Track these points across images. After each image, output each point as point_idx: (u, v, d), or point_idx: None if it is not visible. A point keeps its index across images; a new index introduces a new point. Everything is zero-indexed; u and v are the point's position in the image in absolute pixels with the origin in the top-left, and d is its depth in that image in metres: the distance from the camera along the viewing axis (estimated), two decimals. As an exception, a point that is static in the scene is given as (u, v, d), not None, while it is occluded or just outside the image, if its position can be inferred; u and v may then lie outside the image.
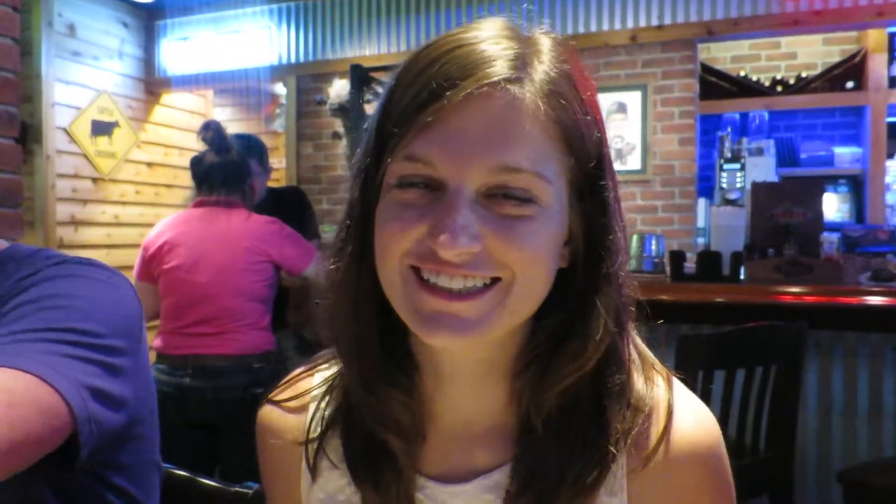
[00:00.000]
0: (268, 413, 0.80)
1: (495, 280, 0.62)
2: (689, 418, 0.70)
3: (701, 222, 4.21)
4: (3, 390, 0.75)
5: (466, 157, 0.60)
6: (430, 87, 0.60)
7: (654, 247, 2.83)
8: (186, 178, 2.53)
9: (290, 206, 2.93)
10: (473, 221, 0.60)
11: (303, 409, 0.78)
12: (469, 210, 0.60)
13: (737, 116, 4.90)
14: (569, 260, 0.67)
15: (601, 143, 0.66)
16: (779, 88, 4.60)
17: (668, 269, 2.78)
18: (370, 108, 3.66)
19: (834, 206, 4.67)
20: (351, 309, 0.68)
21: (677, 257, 2.73)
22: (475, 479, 0.70)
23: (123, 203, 4.47)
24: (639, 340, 0.72)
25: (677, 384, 0.72)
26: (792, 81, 4.62)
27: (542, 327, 0.67)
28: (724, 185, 4.14)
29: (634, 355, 0.70)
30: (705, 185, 4.64)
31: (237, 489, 1.15)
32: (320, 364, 0.81)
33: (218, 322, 2.33)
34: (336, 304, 0.70)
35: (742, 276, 2.62)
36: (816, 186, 2.88)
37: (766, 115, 4.90)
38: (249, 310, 2.38)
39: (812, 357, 2.53)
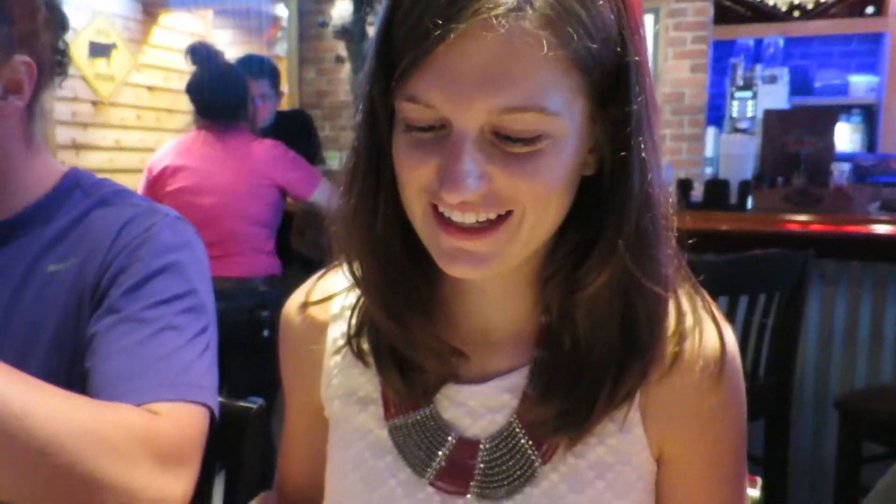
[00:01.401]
0: (292, 309, 0.81)
1: (509, 212, 0.62)
2: (714, 334, 0.70)
3: (709, 152, 4.15)
4: (185, 427, 0.81)
5: (466, 98, 0.57)
6: (424, 24, 0.57)
7: (661, 175, 2.80)
8: (187, 103, 2.48)
9: (296, 130, 2.89)
10: (480, 161, 0.59)
11: (327, 306, 0.79)
12: (475, 150, 0.59)
13: (751, 43, 4.77)
14: (594, 168, 0.65)
15: (625, 51, 0.61)
16: (796, 14, 4.45)
17: (674, 197, 2.75)
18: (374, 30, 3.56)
19: (846, 136, 4.59)
20: (369, 236, 0.68)
21: (684, 185, 2.71)
22: (493, 380, 0.72)
23: (125, 128, 4.42)
24: (675, 259, 0.71)
25: (703, 301, 0.73)
26: (810, 7, 4.47)
27: (565, 242, 0.67)
28: (735, 114, 4.07)
29: (669, 273, 0.69)
30: (715, 114, 4.55)
31: (242, 404, 1.16)
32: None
33: (223, 245, 2.33)
34: (352, 232, 0.69)
35: (749, 206, 2.60)
36: (830, 115, 2.83)
37: (781, 42, 4.77)
38: (254, 233, 2.38)
39: (816, 286, 2.53)
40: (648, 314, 0.67)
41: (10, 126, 0.91)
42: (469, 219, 0.61)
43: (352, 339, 0.76)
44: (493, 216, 0.62)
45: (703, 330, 0.70)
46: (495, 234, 0.62)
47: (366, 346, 0.75)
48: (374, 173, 0.67)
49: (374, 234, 0.68)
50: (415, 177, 0.62)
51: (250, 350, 2.38)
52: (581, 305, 0.66)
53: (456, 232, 0.62)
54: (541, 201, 0.61)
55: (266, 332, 2.38)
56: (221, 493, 1.14)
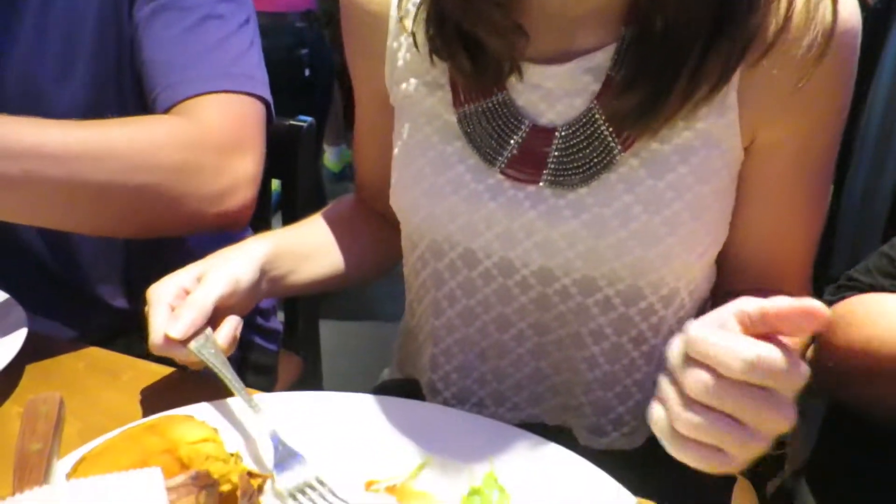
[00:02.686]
0: None
1: None
2: (828, 1, 0.63)
3: None
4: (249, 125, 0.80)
5: None
6: None
7: None
8: None
9: None
10: None
11: None
12: None
13: None
14: None
15: None
16: None
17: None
18: None
19: None
20: None
21: None
22: (573, 61, 0.67)
23: None
24: None
25: None
26: None
27: None
28: None
29: None
30: None
31: (292, 122, 1.14)
32: None
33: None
34: None
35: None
36: None
37: None
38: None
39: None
40: None
41: None
42: None
43: (416, 18, 0.70)
44: None
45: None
46: None
47: (431, 29, 0.69)
48: None
49: None
50: None
51: (291, 93, 2.32)
52: None
53: None
54: None
55: (307, 72, 2.31)
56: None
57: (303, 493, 0.60)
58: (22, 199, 0.72)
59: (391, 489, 0.62)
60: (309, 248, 0.85)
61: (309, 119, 1.13)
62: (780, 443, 0.91)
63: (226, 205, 0.79)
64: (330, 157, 3.69)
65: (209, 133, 0.77)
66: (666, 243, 0.68)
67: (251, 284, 0.72)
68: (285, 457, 0.62)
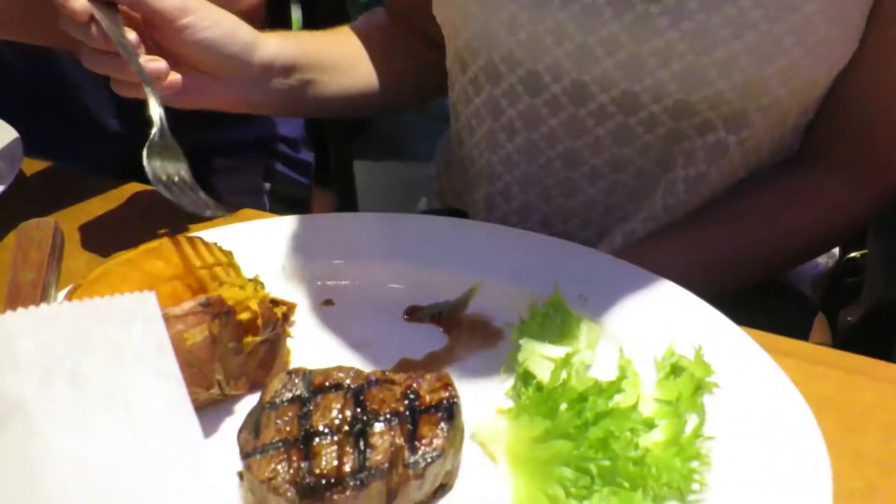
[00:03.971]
0: None
1: None
2: None
3: None
4: None
5: None
6: None
7: None
8: None
9: None
10: None
11: None
12: None
13: None
14: None
15: None
16: None
17: None
18: None
19: None
20: None
21: None
22: None
23: None
24: None
25: None
26: None
27: None
28: None
29: None
30: None
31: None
32: None
33: None
34: None
35: None
36: None
37: None
38: None
39: None
40: None
41: None
42: None
43: None
44: None
45: None
46: None
47: None
48: None
49: None
50: None
51: None
52: None
53: None
54: None
55: None
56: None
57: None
58: None
59: (436, 318, 0.54)
60: (337, 56, 0.74)
61: None
62: (856, 271, 0.83)
63: None
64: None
65: None
66: (790, 56, 0.56)
67: (247, 45, 0.64)
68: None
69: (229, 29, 0.62)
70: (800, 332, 0.73)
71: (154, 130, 0.55)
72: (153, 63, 0.58)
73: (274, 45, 0.66)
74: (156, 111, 0.56)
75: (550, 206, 0.70)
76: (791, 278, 0.81)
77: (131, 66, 0.56)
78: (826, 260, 0.84)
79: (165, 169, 0.53)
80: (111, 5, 0.57)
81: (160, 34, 0.60)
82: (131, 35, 0.56)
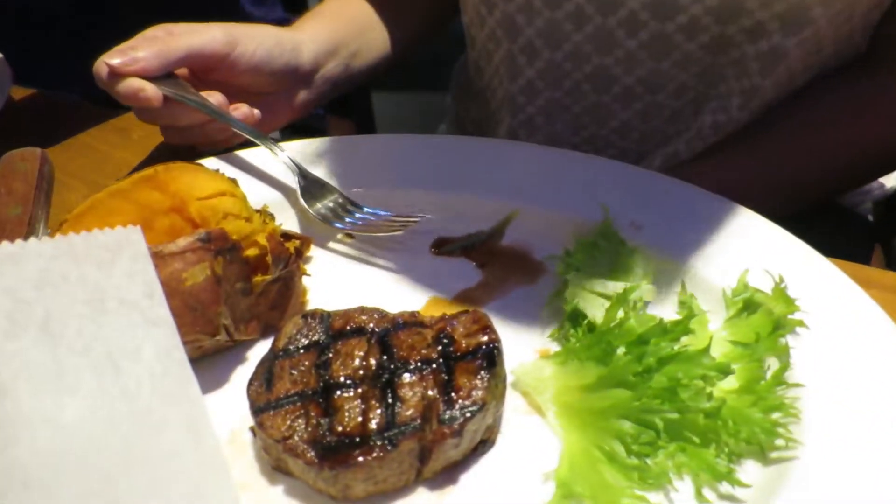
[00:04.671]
0: None
1: None
2: None
3: None
4: None
5: None
6: None
7: None
8: None
9: None
10: None
11: None
12: None
13: None
14: None
15: None
16: None
17: None
18: None
19: None
20: None
21: None
22: None
23: None
24: None
25: None
26: None
27: None
28: None
29: None
30: None
31: None
32: None
33: None
34: None
35: None
36: None
37: None
38: None
39: None
40: None
41: None
42: None
43: None
44: None
45: None
46: None
47: None
48: None
49: None
50: None
51: None
52: None
53: None
54: None
55: None
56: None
57: (337, 215, 0.49)
58: None
59: (468, 251, 0.48)
60: (360, 16, 0.69)
61: None
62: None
63: None
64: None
65: None
66: None
67: (293, 49, 0.60)
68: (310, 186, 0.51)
69: (273, 41, 0.58)
70: (858, 259, 0.68)
71: (297, 178, 0.51)
72: (238, 111, 0.55)
73: (310, 36, 0.62)
74: (283, 157, 0.52)
75: (580, 136, 0.64)
76: (852, 200, 0.74)
77: (221, 123, 0.54)
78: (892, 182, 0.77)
79: (327, 205, 0.49)
80: (170, 76, 0.54)
81: (215, 74, 0.56)
82: (214, 98, 0.54)
